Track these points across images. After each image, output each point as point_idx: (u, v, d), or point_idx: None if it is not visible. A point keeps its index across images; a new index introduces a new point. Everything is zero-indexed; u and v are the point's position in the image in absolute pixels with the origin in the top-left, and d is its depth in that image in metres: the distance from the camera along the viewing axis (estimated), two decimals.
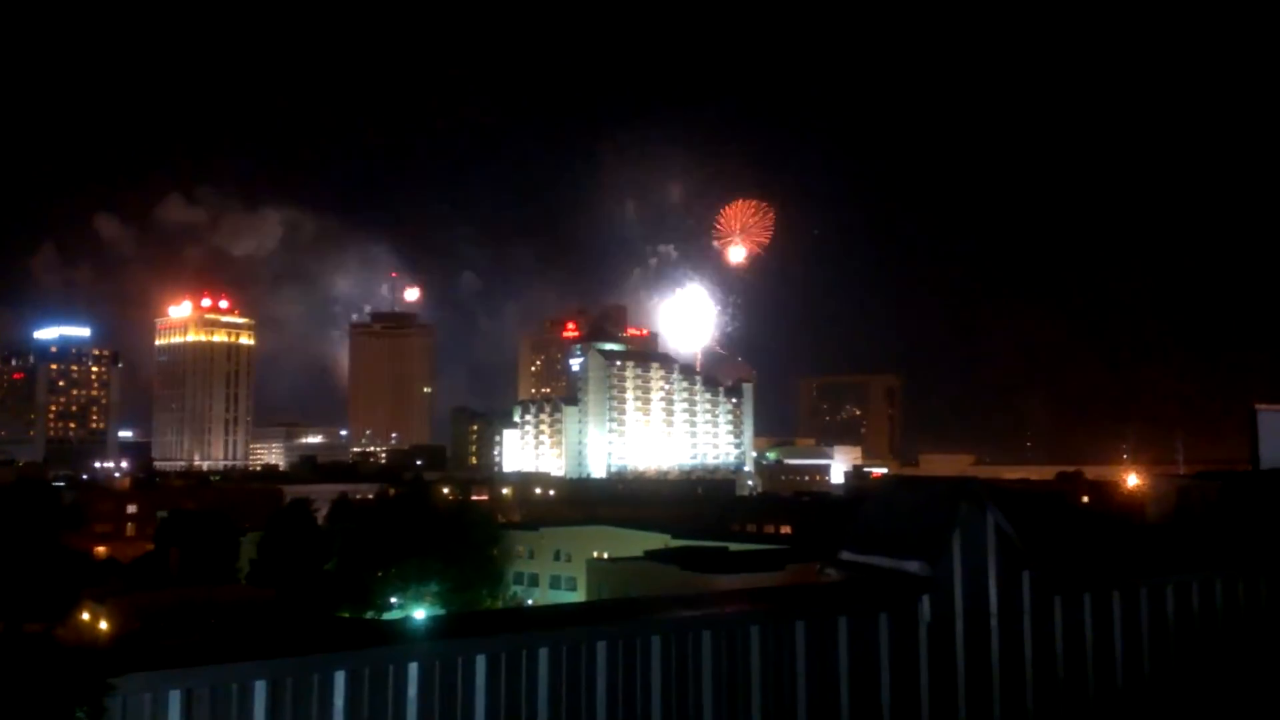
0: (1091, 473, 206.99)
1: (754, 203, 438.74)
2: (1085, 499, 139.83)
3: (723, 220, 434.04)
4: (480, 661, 8.71)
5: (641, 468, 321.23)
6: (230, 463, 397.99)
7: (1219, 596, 12.74)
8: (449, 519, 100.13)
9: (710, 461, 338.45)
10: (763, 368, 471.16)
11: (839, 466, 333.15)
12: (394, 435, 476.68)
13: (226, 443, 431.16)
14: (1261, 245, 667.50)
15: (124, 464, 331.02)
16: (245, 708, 7.88)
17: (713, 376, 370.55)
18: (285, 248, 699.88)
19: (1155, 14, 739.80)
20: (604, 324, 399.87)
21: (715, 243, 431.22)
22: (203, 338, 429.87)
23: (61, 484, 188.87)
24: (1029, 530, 11.32)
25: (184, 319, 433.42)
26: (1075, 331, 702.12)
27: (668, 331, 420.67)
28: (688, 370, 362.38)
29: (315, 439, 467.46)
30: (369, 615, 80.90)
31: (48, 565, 78.75)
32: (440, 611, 77.43)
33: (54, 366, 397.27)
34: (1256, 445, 19.79)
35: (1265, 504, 14.82)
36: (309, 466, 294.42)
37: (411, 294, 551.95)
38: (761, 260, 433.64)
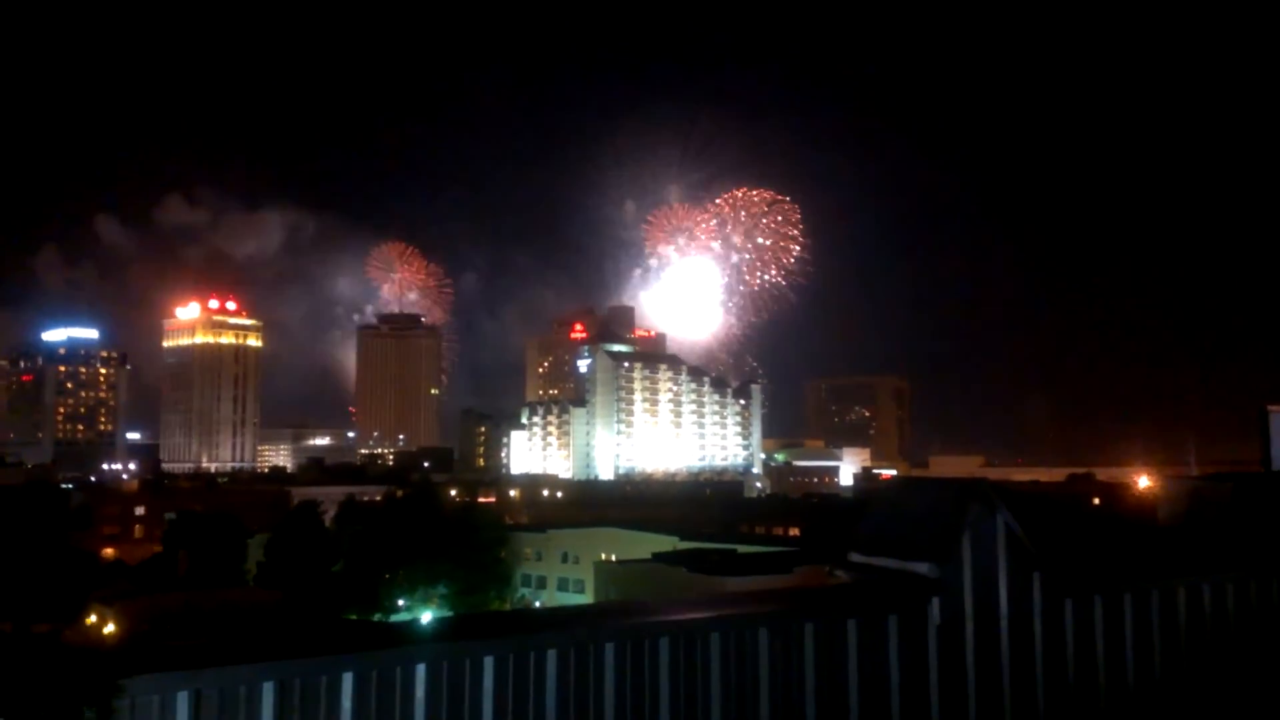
0: (1103, 474, 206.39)
1: (767, 193, 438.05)
2: (1097, 500, 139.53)
3: (719, 208, 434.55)
4: (488, 663, 8.69)
5: (649, 469, 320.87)
6: (238, 464, 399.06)
7: (1231, 599, 12.67)
8: (456, 521, 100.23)
9: (718, 463, 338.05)
10: (771, 369, 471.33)
11: (848, 468, 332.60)
12: (401, 437, 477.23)
13: (234, 444, 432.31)
14: (1272, 246, 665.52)
15: (132, 466, 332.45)
16: (253, 709, 7.87)
17: (721, 378, 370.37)
18: (290, 249, 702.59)
19: (1165, 18, 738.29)
20: (612, 325, 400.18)
21: (706, 225, 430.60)
22: (210, 339, 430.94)
23: (70, 486, 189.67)
24: (1040, 532, 11.26)
25: (191, 321, 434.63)
26: (1086, 333, 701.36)
27: (675, 332, 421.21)
28: (696, 371, 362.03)
29: (322, 440, 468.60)
30: (376, 617, 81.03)
31: (56, 567, 78.96)
32: (448, 613, 77.47)
33: (62, 368, 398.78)
34: (1268, 447, 19.68)
35: (1277, 506, 14.74)
36: (316, 468, 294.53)
37: (442, 297, 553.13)
38: (796, 266, 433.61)
